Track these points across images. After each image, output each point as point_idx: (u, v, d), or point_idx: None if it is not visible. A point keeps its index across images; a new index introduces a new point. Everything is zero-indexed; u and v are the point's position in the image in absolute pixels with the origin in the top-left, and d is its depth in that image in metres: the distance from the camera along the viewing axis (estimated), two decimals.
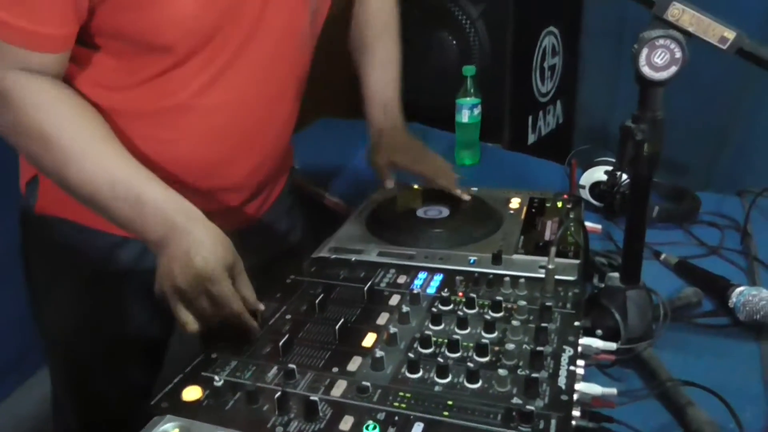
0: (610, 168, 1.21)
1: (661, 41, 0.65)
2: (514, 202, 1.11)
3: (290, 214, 1.15)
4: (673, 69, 0.65)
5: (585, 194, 1.25)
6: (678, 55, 0.65)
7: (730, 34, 0.66)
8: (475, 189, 1.15)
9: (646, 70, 0.66)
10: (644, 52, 0.65)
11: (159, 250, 0.75)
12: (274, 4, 0.86)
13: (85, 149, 0.75)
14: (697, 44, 0.67)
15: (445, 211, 1.05)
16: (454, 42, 1.92)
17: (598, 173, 1.24)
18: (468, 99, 1.54)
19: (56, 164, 0.75)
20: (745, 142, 1.75)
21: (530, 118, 2.05)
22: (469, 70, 1.53)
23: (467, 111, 1.54)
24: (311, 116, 1.97)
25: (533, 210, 1.07)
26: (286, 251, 1.10)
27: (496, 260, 0.89)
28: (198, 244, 0.72)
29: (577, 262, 0.89)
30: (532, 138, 2.08)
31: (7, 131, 0.76)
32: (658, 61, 0.65)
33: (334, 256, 0.93)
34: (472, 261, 0.91)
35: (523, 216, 1.06)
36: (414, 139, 1.16)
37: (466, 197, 1.09)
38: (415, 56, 2.01)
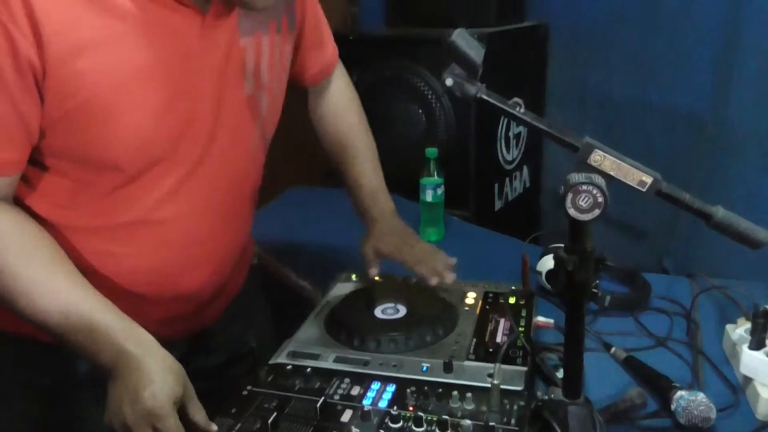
0: None
1: (584, 187, 0.69)
2: (470, 297, 1.15)
3: (252, 309, 1.17)
4: (597, 211, 0.70)
5: (541, 280, 1.29)
6: (600, 199, 0.69)
7: (648, 179, 0.70)
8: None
9: (572, 212, 0.70)
10: (569, 196, 0.70)
11: (110, 378, 0.77)
12: (222, 126, 0.89)
13: (35, 279, 0.77)
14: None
15: (402, 310, 1.09)
16: (422, 113, 1.99)
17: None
18: (431, 179, 1.59)
19: (6, 294, 0.76)
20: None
21: (496, 186, 2.11)
22: (431, 152, 1.59)
23: (431, 191, 1.59)
24: (281, 186, 2.01)
25: (487, 307, 1.11)
26: (247, 351, 1.12)
27: (448, 368, 0.93)
28: (147, 379, 0.74)
29: (524, 369, 0.92)
30: (499, 204, 2.13)
31: None
32: (583, 204, 0.70)
33: (290, 365, 0.96)
34: (425, 369, 0.94)
35: (478, 312, 1.10)
36: (403, 226, 1.19)
37: (433, 283, 1.11)
38: (386, 128, 2.07)
